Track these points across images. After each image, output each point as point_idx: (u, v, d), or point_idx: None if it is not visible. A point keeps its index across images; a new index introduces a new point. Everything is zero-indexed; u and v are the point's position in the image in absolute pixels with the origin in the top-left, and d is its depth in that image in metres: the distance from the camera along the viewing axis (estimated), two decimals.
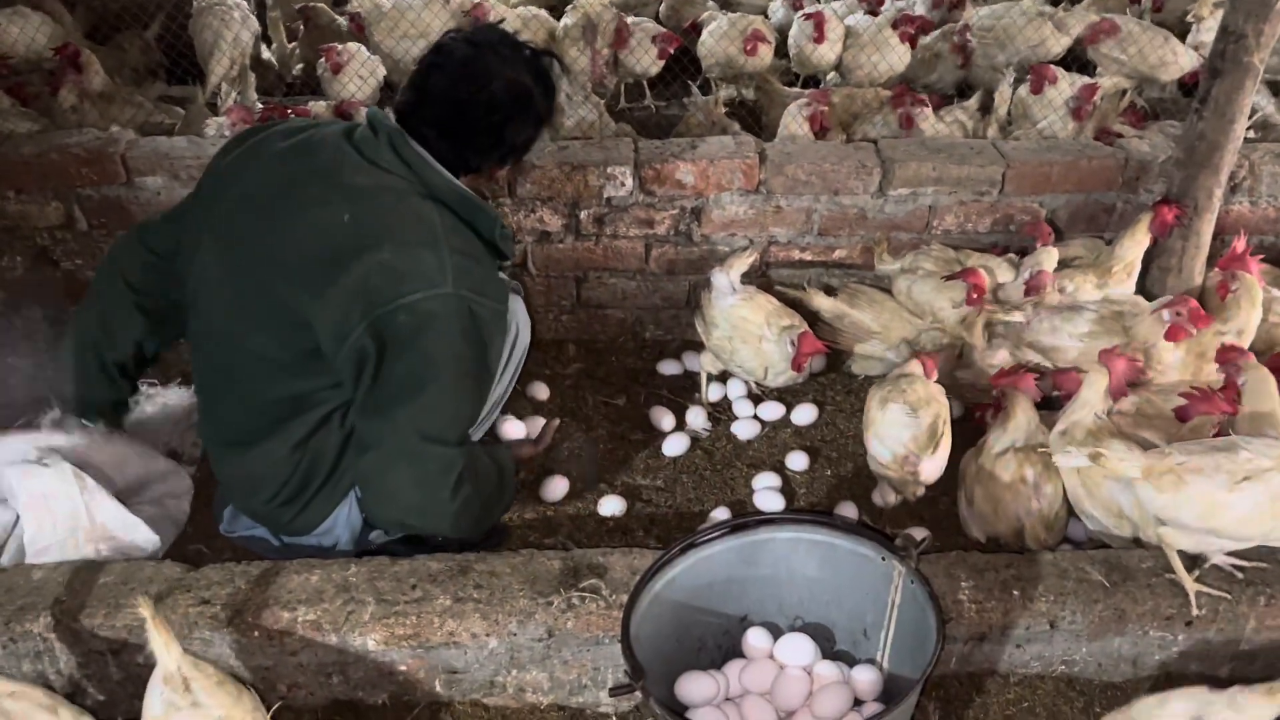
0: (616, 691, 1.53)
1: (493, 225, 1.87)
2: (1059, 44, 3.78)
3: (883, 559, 1.66)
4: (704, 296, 2.55)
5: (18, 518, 1.95)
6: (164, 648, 1.52)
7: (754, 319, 2.45)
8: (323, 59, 3.66)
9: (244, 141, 1.93)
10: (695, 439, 2.52)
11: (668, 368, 2.77)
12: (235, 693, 1.58)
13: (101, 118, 3.30)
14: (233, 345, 1.87)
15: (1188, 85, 3.85)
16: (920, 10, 4.15)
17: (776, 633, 1.79)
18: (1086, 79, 3.42)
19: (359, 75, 3.61)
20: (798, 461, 2.44)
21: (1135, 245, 2.56)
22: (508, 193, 2.66)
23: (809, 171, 2.67)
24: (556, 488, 2.34)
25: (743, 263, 2.55)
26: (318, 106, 3.37)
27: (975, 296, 2.43)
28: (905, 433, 2.12)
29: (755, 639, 1.77)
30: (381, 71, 3.68)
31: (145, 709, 1.58)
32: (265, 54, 4.07)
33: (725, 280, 2.52)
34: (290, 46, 4.16)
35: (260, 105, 3.43)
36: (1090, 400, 1.96)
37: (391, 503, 1.80)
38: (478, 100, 1.80)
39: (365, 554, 1.96)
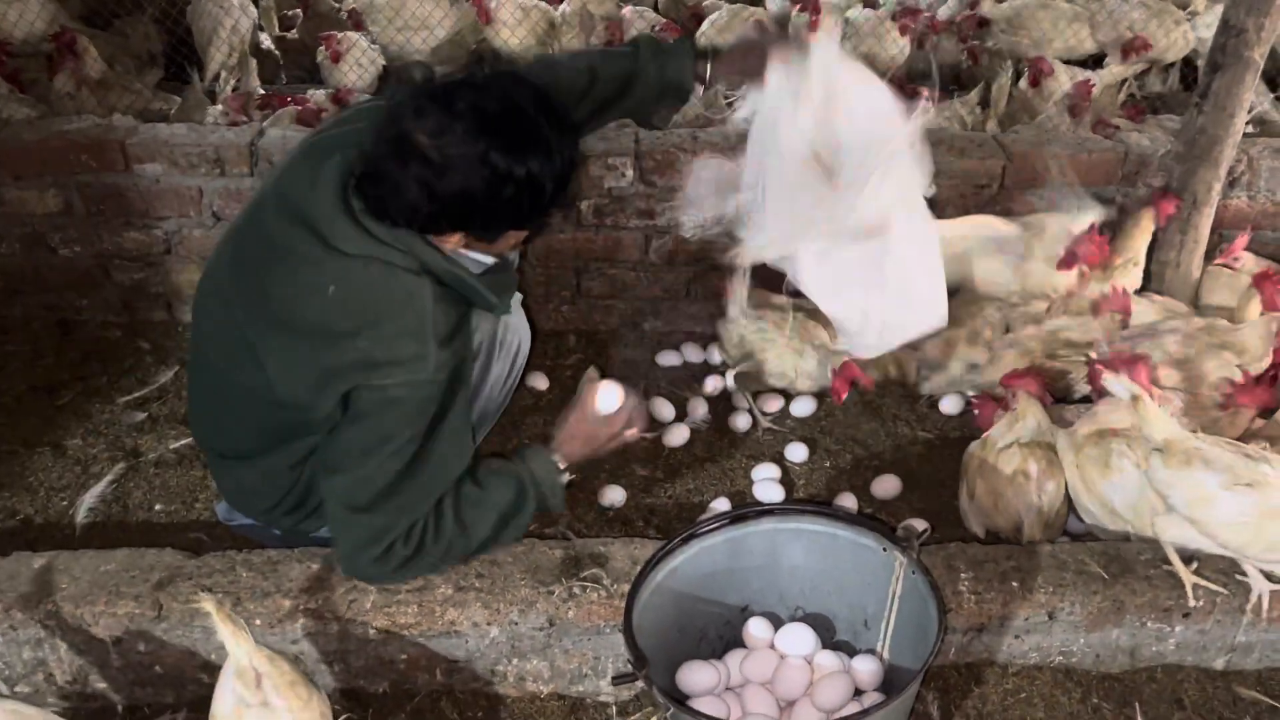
0: (620, 680, 1.54)
1: (491, 305, 1.77)
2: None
3: (884, 550, 1.67)
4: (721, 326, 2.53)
5: None
6: (234, 641, 1.47)
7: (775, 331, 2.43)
8: (322, 46, 3.66)
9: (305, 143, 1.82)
10: (695, 430, 2.52)
11: (667, 359, 2.77)
12: (306, 696, 1.53)
13: (99, 105, 3.29)
14: (223, 374, 1.83)
15: (1188, 79, 3.86)
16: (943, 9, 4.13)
17: (777, 623, 1.80)
18: (1083, 73, 3.43)
19: (359, 64, 3.61)
20: (797, 453, 2.45)
21: (1141, 236, 2.57)
22: None
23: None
24: None
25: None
26: (317, 95, 3.36)
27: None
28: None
29: (756, 629, 1.77)
30: (381, 60, 3.67)
31: (215, 702, 1.54)
32: (265, 42, 4.06)
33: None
34: (281, 35, 4.14)
35: (261, 92, 3.42)
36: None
37: (332, 536, 1.80)
38: (388, 151, 1.59)
39: None
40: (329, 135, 1.76)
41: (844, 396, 2.32)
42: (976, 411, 2.26)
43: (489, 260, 1.79)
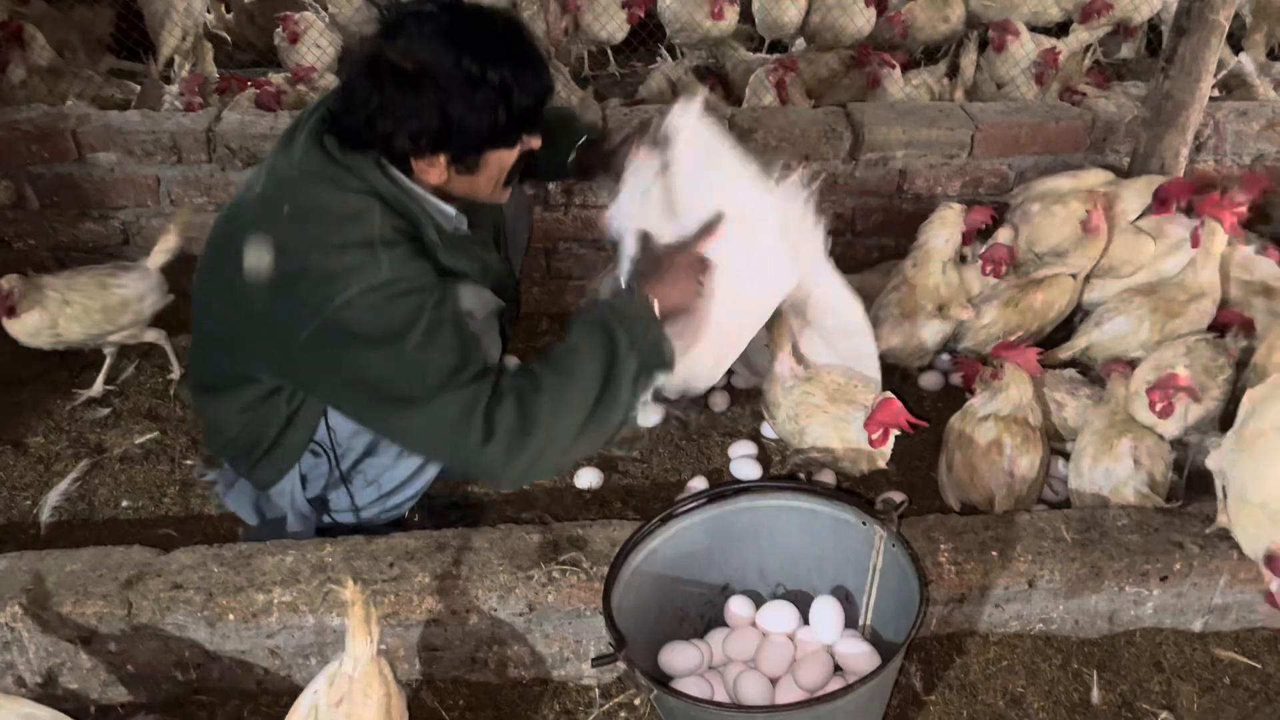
0: (599, 662, 1.52)
1: (433, 247, 1.72)
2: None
3: (863, 523, 1.66)
4: (766, 387, 2.23)
5: None
6: (360, 641, 1.39)
7: (816, 395, 2.12)
8: (280, 28, 3.58)
9: None
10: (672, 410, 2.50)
11: None
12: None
13: (50, 93, 3.21)
14: (201, 304, 1.85)
15: (1154, 45, 3.87)
16: None
17: (759, 601, 1.79)
18: (1048, 41, 3.42)
19: (316, 44, 3.54)
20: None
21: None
22: None
23: (778, 137, 2.65)
24: None
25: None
26: (275, 78, 3.29)
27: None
28: None
29: (737, 607, 1.76)
30: (339, 41, 3.61)
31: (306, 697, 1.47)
32: (215, 24, 3.97)
33: (786, 367, 2.18)
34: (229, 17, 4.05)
35: (217, 76, 3.35)
36: None
37: (437, 460, 1.81)
38: (357, 80, 1.61)
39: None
40: (309, 109, 1.79)
41: (887, 443, 2.00)
42: (961, 373, 2.26)
43: (451, 212, 1.78)
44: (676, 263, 1.75)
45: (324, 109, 1.71)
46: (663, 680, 1.65)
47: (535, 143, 1.75)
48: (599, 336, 1.66)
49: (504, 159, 1.72)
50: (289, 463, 1.88)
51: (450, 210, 1.77)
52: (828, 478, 2.23)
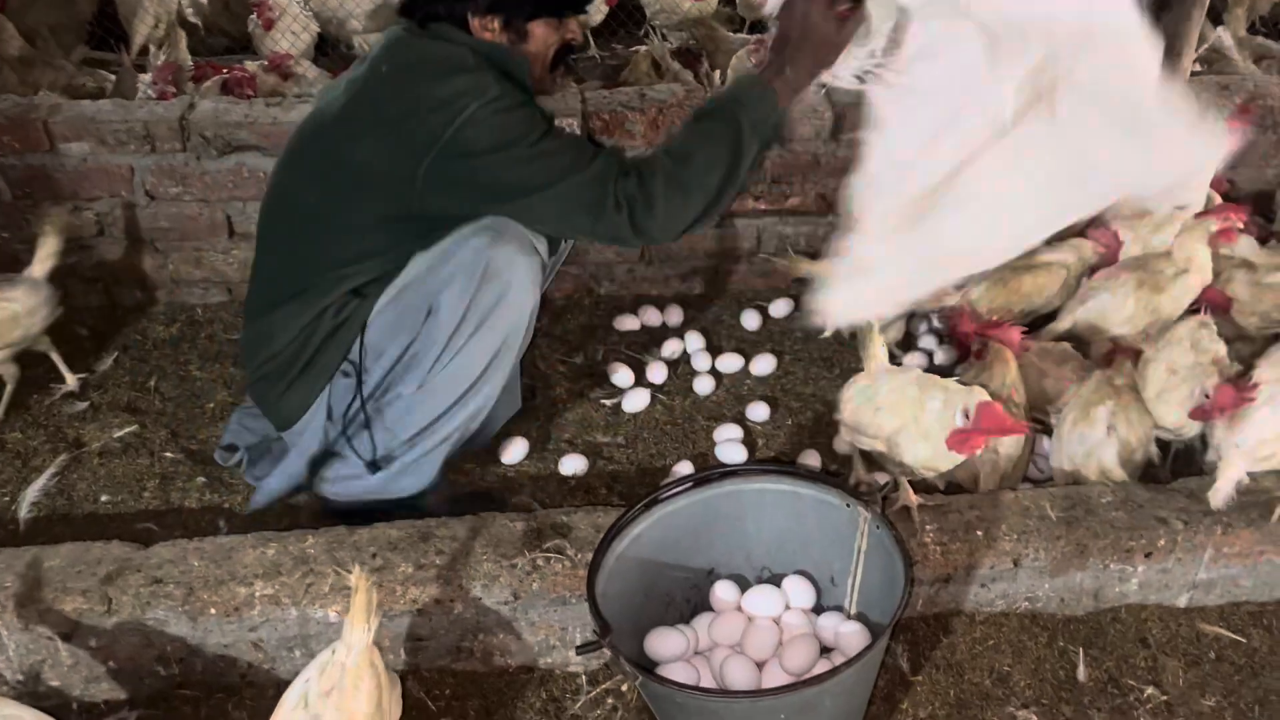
0: (584, 649, 1.51)
1: (523, 72, 1.86)
2: None
3: (847, 506, 1.65)
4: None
5: None
6: (357, 627, 1.38)
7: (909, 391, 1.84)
8: (254, 15, 3.54)
9: None
10: (656, 394, 2.49)
11: (625, 323, 2.73)
12: None
13: (21, 83, 3.16)
14: (284, 199, 1.97)
15: None
16: None
17: (744, 585, 1.78)
18: None
19: (291, 30, 3.49)
20: (759, 412, 2.43)
21: None
22: None
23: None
24: (516, 449, 2.30)
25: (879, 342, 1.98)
26: (251, 65, 3.25)
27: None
28: None
29: (723, 592, 1.76)
30: (315, 27, 3.56)
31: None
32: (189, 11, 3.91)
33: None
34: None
35: (192, 64, 3.30)
36: None
37: (577, 233, 1.98)
38: None
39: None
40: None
41: (979, 449, 1.75)
42: (953, 327, 2.27)
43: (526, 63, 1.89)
44: (811, 21, 1.72)
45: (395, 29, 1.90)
46: (649, 666, 1.64)
47: (577, 32, 1.90)
48: (724, 126, 1.79)
49: (549, 36, 1.87)
50: (321, 383, 1.94)
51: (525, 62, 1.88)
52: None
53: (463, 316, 1.84)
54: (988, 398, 1.74)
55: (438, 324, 1.85)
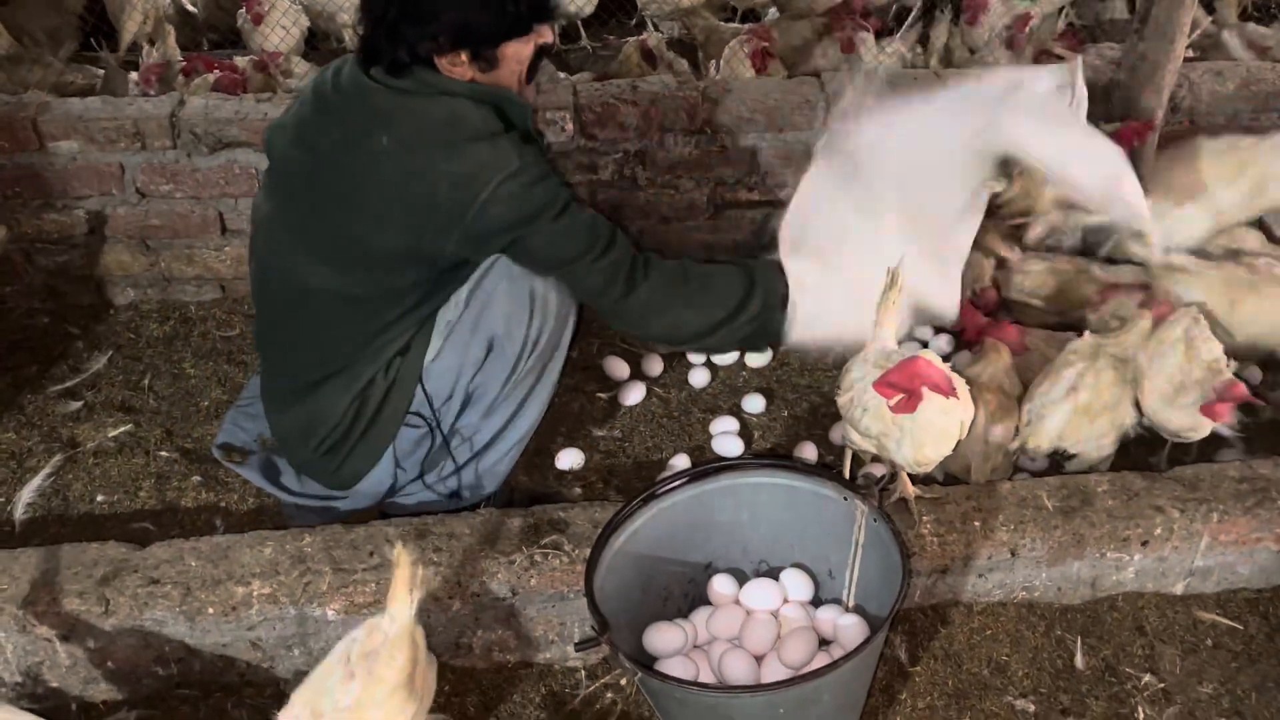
0: (582, 645, 1.51)
1: (525, 115, 1.83)
2: None
3: (844, 499, 1.65)
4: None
5: None
6: (399, 603, 1.40)
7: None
8: (243, 9, 3.51)
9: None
10: (652, 387, 2.48)
11: None
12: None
13: (9, 81, 3.13)
14: (295, 284, 1.86)
15: (1133, 5, 3.84)
16: None
17: (742, 579, 1.78)
18: (1021, 6, 3.39)
19: (281, 25, 3.47)
20: (754, 404, 2.43)
21: None
22: None
23: (752, 108, 2.62)
24: (567, 457, 2.30)
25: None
26: (241, 62, 3.22)
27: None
28: None
29: (720, 586, 1.76)
30: (305, 21, 3.54)
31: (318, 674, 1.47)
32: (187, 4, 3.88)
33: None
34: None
35: (181, 60, 3.27)
36: None
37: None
38: None
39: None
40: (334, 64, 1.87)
41: (914, 411, 1.61)
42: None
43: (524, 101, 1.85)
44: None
45: (349, 55, 1.79)
46: (647, 662, 1.64)
47: (548, 35, 1.81)
48: (740, 289, 1.92)
49: (521, 52, 1.77)
50: (384, 443, 1.90)
51: (524, 99, 1.85)
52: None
53: (521, 347, 1.89)
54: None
55: (501, 361, 1.89)
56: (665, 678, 1.46)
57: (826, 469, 1.82)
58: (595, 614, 1.51)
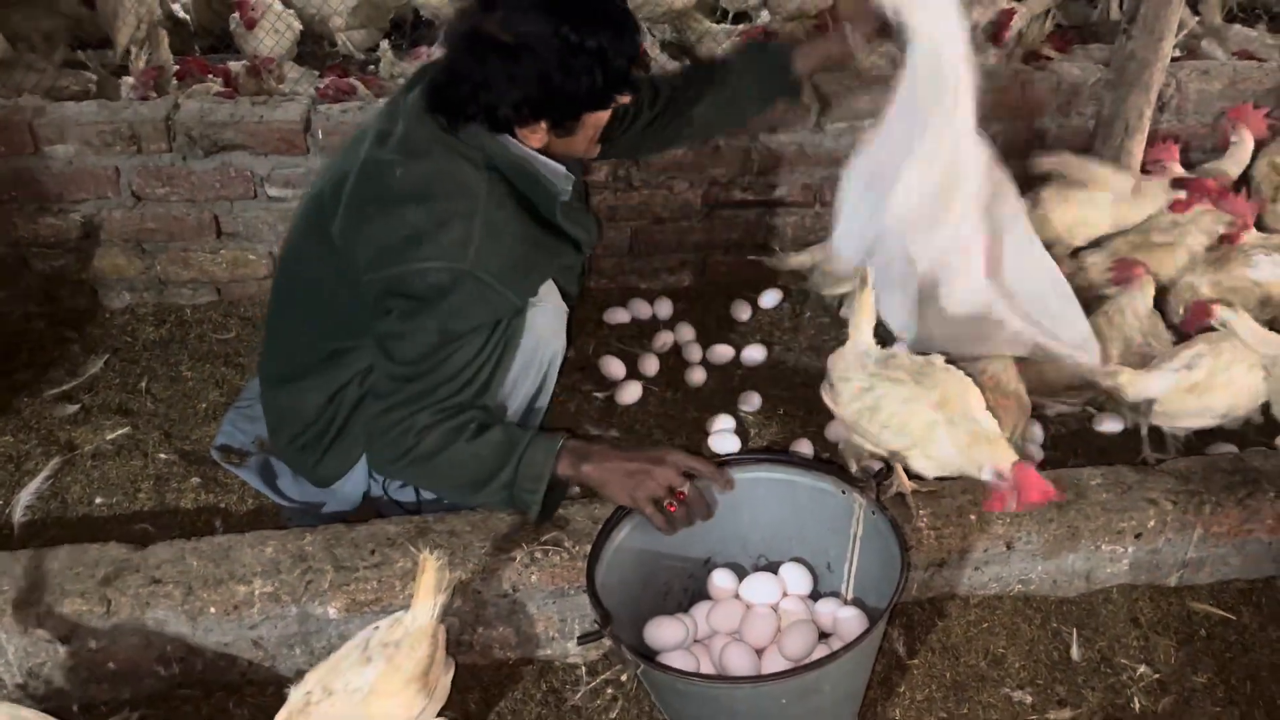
0: (585, 639, 1.53)
1: (552, 204, 1.80)
2: None
3: (843, 492, 1.67)
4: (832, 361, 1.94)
5: None
6: (424, 603, 1.43)
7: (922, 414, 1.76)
8: (236, 14, 3.52)
9: None
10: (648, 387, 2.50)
11: (615, 316, 2.74)
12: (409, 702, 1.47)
13: (3, 85, 3.13)
14: (296, 270, 1.91)
15: (1123, 6, 3.87)
16: None
17: (741, 573, 1.80)
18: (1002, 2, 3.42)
19: (275, 29, 3.48)
20: (750, 402, 2.45)
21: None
22: None
23: None
24: None
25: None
26: (234, 66, 3.23)
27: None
28: None
29: (720, 580, 1.77)
30: (298, 25, 3.55)
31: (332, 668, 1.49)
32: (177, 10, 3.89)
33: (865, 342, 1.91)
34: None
35: (175, 65, 3.28)
36: None
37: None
38: (463, 49, 1.69)
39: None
40: (405, 86, 1.86)
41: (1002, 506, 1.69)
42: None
43: (562, 170, 1.82)
44: (611, 464, 1.70)
45: (424, 84, 1.76)
46: (649, 655, 1.65)
47: (626, 100, 1.79)
48: (495, 462, 1.72)
49: (600, 119, 1.78)
50: (357, 449, 1.92)
51: (561, 169, 1.82)
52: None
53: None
54: (1014, 455, 1.68)
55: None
56: (668, 669, 1.47)
57: (824, 463, 1.84)
58: (597, 607, 1.52)
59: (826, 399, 1.88)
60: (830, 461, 2.15)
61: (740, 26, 3.57)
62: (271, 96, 2.69)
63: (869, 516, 1.64)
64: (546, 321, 1.85)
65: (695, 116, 2.12)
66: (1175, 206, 2.49)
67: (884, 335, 2.00)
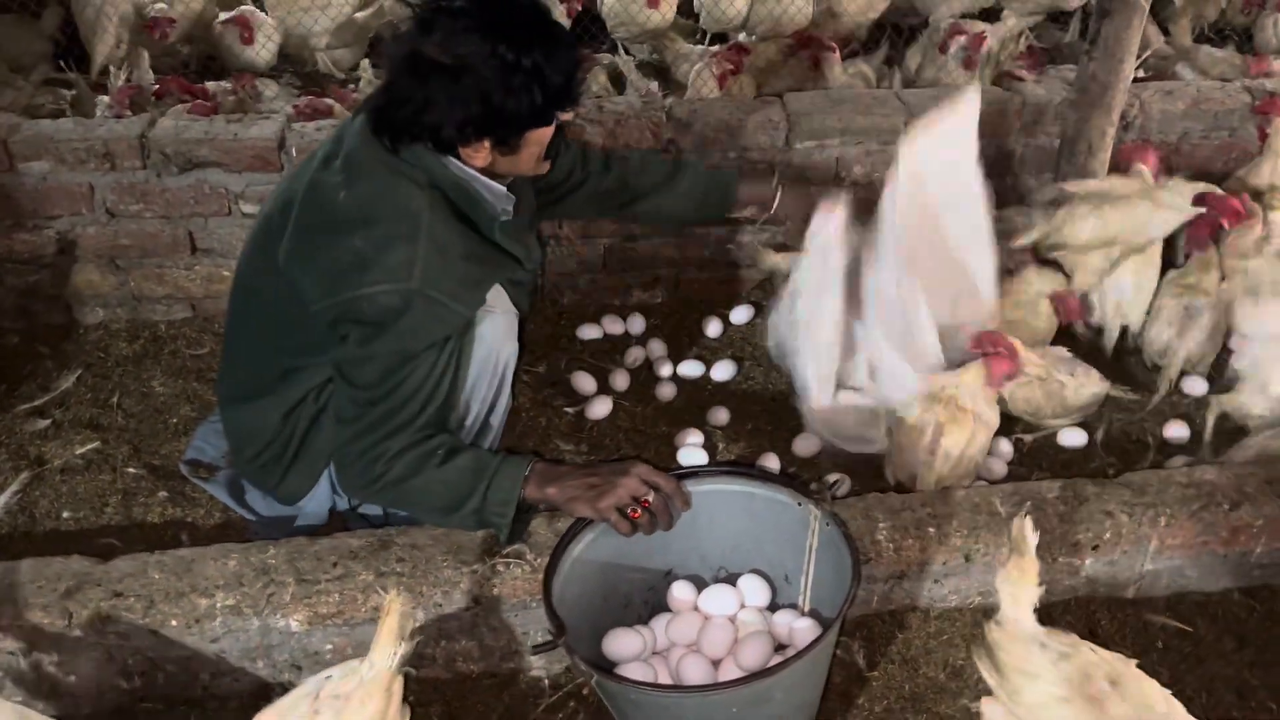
0: (539, 649, 1.54)
1: (491, 224, 1.81)
2: None
3: (799, 504, 1.69)
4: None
5: None
6: (384, 648, 1.39)
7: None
8: (233, 27, 3.55)
9: None
10: (619, 401, 2.51)
11: (588, 332, 2.76)
12: None
13: None
14: (248, 291, 1.93)
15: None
16: None
17: (701, 585, 1.81)
18: (979, 27, 3.48)
19: (267, 41, 3.52)
20: (719, 417, 2.47)
21: None
22: None
23: (716, 128, 2.67)
24: None
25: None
26: (211, 86, 3.26)
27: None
28: None
29: (679, 592, 1.78)
30: (278, 37, 3.59)
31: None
32: None
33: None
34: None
35: (155, 84, 3.30)
36: None
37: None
38: (403, 71, 1.71)
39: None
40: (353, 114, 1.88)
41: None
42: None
43: (502, 190, 1.84)
44: (575, 480, 1.73)
45: (368, 109, 1.78)
46: (607, 666, 1.66)
47: (568, 116, 1.82)
48: (464, 487, 1.75)
49: (543, 136, 1.79)
50: (319, 465, 1.94)
51: (501, 189, 1.85)
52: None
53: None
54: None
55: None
56: (621, 679, 1.49)
57: (783, 475, 1.86)
58: (552, 618, 1.53)
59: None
60: (789, 474, 2.17)
61: (715, 48, 3.61)
62: (247, 115, 2.71)
63: (824, 528, 1.66)
64: (497, 329, 1.87)
65: (634, 206, 2.25)
66: (1197, 228, 2.43)
67: None
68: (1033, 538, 1.44)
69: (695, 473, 1.76)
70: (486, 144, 1.73)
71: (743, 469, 1.83)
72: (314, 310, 1.74)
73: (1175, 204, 2.42)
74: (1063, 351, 2.34)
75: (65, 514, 2.19)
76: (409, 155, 1.74)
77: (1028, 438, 2.35)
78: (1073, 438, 2.34)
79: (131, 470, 2.29)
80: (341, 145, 1.80)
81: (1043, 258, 2.52)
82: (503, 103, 1.67)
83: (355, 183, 1.74)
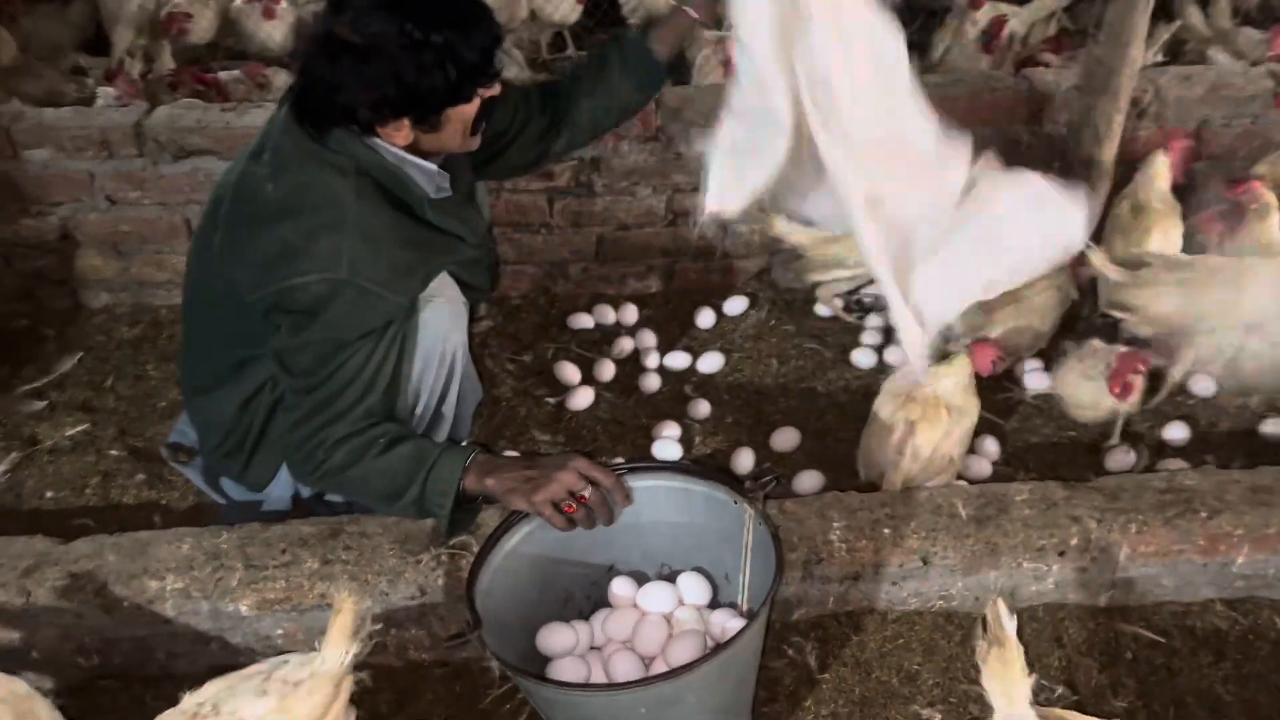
0: (452, 641, 1.53)
1: (422, 205, 1.80)
2: None
3: (735, 502, 1.65)
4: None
5: None
6: (336, 648, 1.41)
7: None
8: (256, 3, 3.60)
9: None
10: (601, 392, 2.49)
11: (579, 321, 2.75)
12: None
13: (6, 92, 3.25)
14: (198, 284, 1.93)
15: None
16: None
17: (644, 581, 1.79)
18: (1002, 9, 3.36)
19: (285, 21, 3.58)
20: (700, 410, 2.43)
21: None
22: None
23: (706, 116, 2.62)
24: None
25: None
26: (228, 76, 3.30)
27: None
28: None
29: (619, 588, 1.76)
30: (290, 17, 3.63)
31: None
32: None
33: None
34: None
35: (169, 74, 3.36)
36: None
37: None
38: (315, 52, 1.70)
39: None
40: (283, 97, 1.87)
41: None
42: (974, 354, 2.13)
43: (433, 168, 1.81)
44: (513, 472, 1.71)
45: (290, 98, 1.79)
46: (541, 663, 1.66)
47: (492, 92, 1.79)
48: (404, 477, 1.73)
49: (464, 113, 1.76)
50: (279, 453, 1.94)
51: (432, 167, 1.83)
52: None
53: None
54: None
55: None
56: (525, 673, 1.47)
57: (719, 472, 1.82)
58: (470, 610, 1.53)
59: None
60: (726, 471, 2.13)
61: (724, 35, 3.54)
62: (240, 103, 2.75)
63: (757, 526, 1.62)
64: (441, 316, 1.84)
65: (584, 118, 2.12)
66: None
67: None
68: (1010, 623, 1.32)
69: (634, 468, 1.73)
70: (406, 123, 1.71)
71: (680, 465, 1.81)
72: (249, 301, 1.75)
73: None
74: None
75: (49, 494, 2.26)
76: (334, 143, 1.73)
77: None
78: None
79: (114, 452, 2.35)
80: (270, 137, 1.80)
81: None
82: (415, 81, 1.65)
83: (281, 174, 1.73)
